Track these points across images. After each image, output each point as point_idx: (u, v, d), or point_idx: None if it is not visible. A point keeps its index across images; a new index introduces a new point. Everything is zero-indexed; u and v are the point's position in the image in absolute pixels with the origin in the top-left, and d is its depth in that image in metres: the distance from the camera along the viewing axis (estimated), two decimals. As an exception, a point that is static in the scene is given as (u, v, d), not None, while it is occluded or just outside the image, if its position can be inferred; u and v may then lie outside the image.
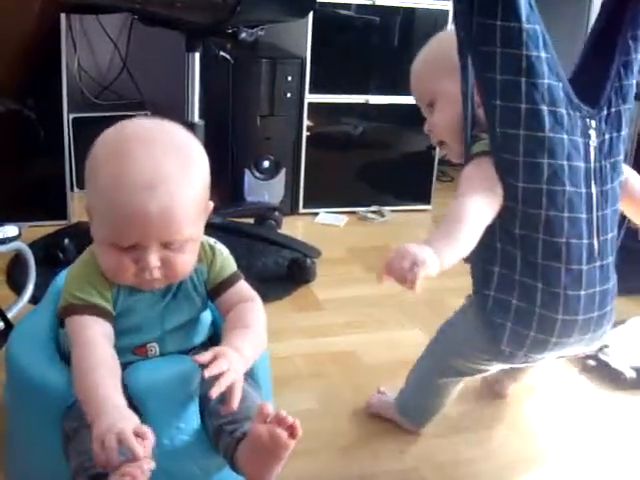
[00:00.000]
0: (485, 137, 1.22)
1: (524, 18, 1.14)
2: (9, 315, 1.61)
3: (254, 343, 1.11)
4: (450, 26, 1.36)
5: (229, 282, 1.17)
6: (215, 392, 0.99)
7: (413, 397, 1.45)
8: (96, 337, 1.03)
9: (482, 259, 1.25)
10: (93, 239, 1.07)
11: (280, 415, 0.96)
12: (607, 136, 1.25)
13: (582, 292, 1.24)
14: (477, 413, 1.54)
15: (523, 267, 1.22)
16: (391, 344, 1.80)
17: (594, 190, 1.23)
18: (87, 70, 2.84)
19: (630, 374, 1.65)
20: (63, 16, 2.20)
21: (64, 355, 1.11)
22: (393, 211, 2.72)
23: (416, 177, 2.79)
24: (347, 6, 2.49)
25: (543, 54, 1.16)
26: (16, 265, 1.99)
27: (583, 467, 1.40)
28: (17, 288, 1.89)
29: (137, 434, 0.91)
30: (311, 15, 2.34)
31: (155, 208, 0.98)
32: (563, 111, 1.19)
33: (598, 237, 1.25)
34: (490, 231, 1.20)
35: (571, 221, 1.21)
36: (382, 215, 2.69)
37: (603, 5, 1.26)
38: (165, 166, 1.00)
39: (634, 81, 1.27)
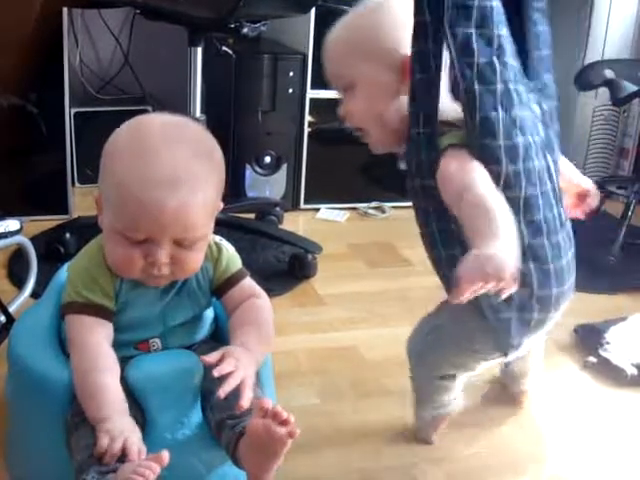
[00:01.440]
0: (448, 129, 1.19)
1: None
2: (10, 309, 1.61)
3: (262, 340, 1.11)
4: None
5: (235, 279, 1.17)
6: (224, 391, 0.99)
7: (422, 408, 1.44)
8: (95, 338, 1.03)
9: None
10: (102, 230, 1.07)
11: (275, 410, 0.96)
12: (545, 107, 1.25)
13: (564, 261, 1.26)
14: (478, 410, 1.53)
15: None
16: (393, 340, 1.78)
17: (550, 160, 1.24)
18: (89, 65, 2.83)
19: (631, 371, 1.65)
20: (65, 10, 2.20)
21: (66, 349, 1.11)
22: (394, 207, 2.72)
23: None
24: (349, 2, 2.49)
25: (505, 31, 1.15)
26: (17, 259, 1.99)
27: (585, 464, 1.40)
28: (18, 282, 1.88)
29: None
30: (313, 11, 2.34)
31: (174, 205, 0.99)
32: (521, 87, 1.18)
33: (562, 205, 1.27)
34: None
35: (543, 195, 1.21)
36: (383, 211, 2.69)
37: None
38: (188, 165, 1.01)
39: (549, 52, 1.26)
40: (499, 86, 1.14)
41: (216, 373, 1.00)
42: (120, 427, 0.96)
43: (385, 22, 1.24)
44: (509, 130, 1.16)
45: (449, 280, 1.18)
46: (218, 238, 1.17)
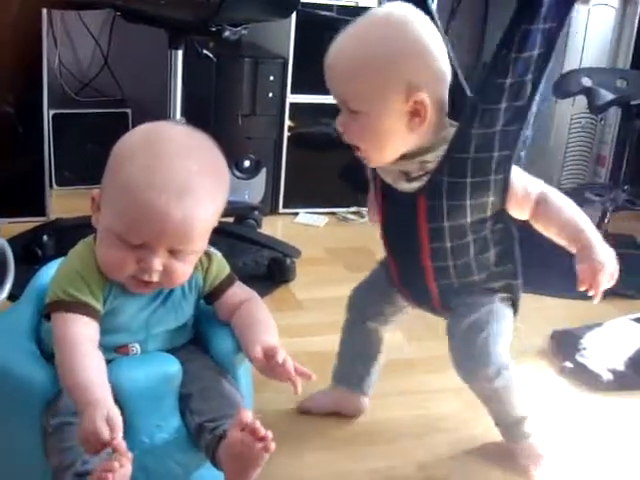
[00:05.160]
0: None
1: None
2: (-14, 311, 1.60)
3: (275, 335, 1.14)
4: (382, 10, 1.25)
5: (226, 285, 1.19)
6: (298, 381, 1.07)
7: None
8: (81, 336, 1.02)
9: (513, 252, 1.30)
10: (96, 229, 1.07)
11: (254, 426, 0.96)
12: None
13: None
14: (457, 414, 1.54)
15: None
16: (370, 345, 1.80)
17: None
18: (68, 66, 2.81)
19: (607, 376, 1.67)
20: (44, 12, 2.18)
21: (44, 352, 1.10)
22: (373, 212, 2.72)
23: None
24: (330, 7, 2.50)
25: None
26: (-6, 261, 1.97)
27: (561, 468, 1.40)
28: (-5, 284, 1.87)
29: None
30: (294, 15, 2.34)
31: (179, 214, 0.99)
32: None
33: None
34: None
35: None
36: (362, 216, 2.69)
37: None
38: (198, 178, 1.02)
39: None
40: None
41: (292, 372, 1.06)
42: (111, 414, 0.94)
43: (404, 50, 1.17)
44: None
45: (447, 288, 1.31)
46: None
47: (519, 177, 1.25)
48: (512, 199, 1.24)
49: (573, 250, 1.24)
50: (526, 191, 1.25)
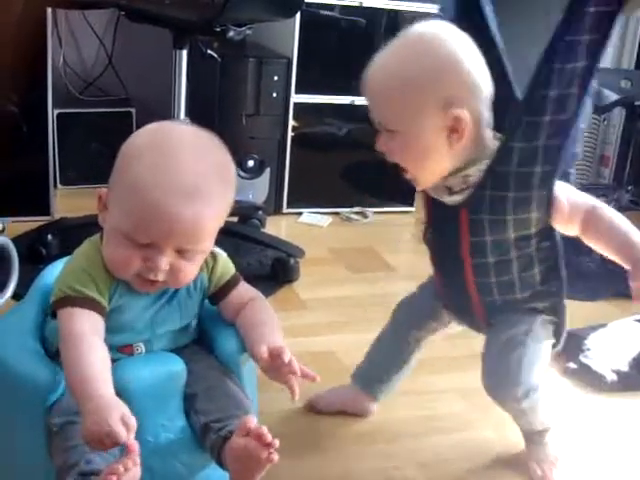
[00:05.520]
0: None
1: None
2: (-9, 310, 1.60)
3: (281, 335, 1.14)
4: (421, 29, 1.21)
5: (231, 285, 1.19)
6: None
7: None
8: (88, 330, 1.02)
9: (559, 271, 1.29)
10: (102, 227, 1.07)
11: (260, 431, 0.96)
12: None
13: None
14: (461, 415, 1.54)
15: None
16: (374, 345, 1.80)
17: None
18: (72, 66, 2.81)
19: (611, 377, 1.67)
20: (49, 11, 2.19)
21: (48, 351, 1.10)
22: (376, 212, 2.72)
23: (400, 179, 2.77)
24: (334, 7, 2.50)
25: None
26: (-2, 260, 1.98)
27: (565, 469, 1.40)
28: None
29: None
30: (298, 15, 2.35)
31: (188, 215, 0.99)
32: None
33: None
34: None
35: None
36: (365, 216, 2.70)
37: None
38: (208, 179, 1.02)
39: None
40: None
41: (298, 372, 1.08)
42: (127, 414, 0.93)
43: (437, 67, 1.16)
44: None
45: (491, 304, 1.30)
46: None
47: (566, 193, 1.22)
48: (559, 216, 1.22)
49: (626, 266, 1.20)
50: (574, 207, 1.22)
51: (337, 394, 1.51)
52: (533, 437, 1.39)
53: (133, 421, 0.92)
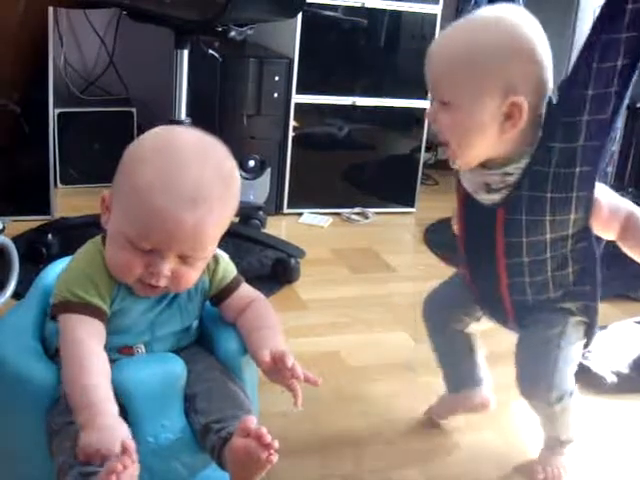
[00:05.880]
0: None
1: None
2: (-9, 310, 1.60)
3: (282, 338, 1.14)
4: (488, 12, 1.18)
5: (233, 287, 1.19)
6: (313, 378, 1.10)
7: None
8: (88, 338, 1.02)
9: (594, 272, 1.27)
10: (106, 231, 1.06)
11: (260, 432, 0.96)
12: None
13: None
14: (462, 416, 1.54)
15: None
16: (375, 346, 1.80)
17: None
18: (73, 65, 2.82)
19: (612, 379, 1.66)
20: (50, 10, 2.19)
21: (48, 351, 1.10)
22: (377, 213, 2.73)
23: (401, 180, 2.80)
24: (335, 7, 2.50)
25: None
26: (-2, 260, 1.98)
27: (566, 471, 1.40)
28: (-1, 283, 1.87)
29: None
30: (300, 16, 2.35)
31: (191, 221, 0.98)
32: None
33: None
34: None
35: None
36: (366, 217, 2.70)
37: None
38: (212, 185, 1.01)
39: None
40: None
41: (301, 376, 1.08)
42: (112, 424, 0.94)
43: (513, 51, 1.14)
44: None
45: (522, 303, 1.28)
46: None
47: (606, 196, 1.21)
48: (597, 218, 1.20)
49: None
50: (613, 211, 1.21)
51: (453, 401, 1.49)
52: (554, 445, 1.38)
53: (133, 446, 0.92)
